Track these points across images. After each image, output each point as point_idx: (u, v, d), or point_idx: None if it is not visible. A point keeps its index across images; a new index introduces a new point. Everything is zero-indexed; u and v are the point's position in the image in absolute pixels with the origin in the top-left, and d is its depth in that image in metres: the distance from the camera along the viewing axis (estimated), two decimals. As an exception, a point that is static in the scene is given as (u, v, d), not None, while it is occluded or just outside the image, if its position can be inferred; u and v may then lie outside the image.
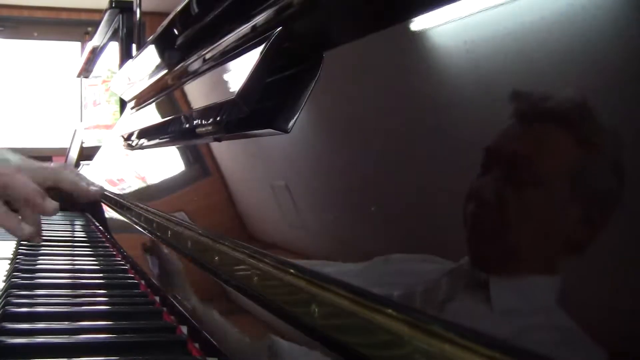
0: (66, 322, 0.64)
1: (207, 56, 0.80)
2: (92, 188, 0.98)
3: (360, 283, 0.35)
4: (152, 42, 1.10)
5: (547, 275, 0.25)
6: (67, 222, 1.57)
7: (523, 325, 0.25)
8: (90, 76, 3.49)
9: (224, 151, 0.71)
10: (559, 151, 0.26)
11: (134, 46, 1.89)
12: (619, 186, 0.23)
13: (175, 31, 0.96)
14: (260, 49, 0.58)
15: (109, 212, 1.29)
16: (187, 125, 0.78)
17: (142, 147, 1.18)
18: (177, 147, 0.91)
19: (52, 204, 0.89)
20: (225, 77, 0.70)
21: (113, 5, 2.20)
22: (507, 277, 0.27)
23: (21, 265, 0.93)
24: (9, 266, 0.95)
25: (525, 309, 0.25)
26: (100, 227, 1.43)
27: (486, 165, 0.30)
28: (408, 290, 0.32)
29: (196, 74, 0.88)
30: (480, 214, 0.29)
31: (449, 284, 0.29)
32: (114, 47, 2.48)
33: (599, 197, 0.24)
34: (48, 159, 4.55)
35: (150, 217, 0.85)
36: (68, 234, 1.31)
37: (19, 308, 0.68)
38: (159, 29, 1.04)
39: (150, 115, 1.14)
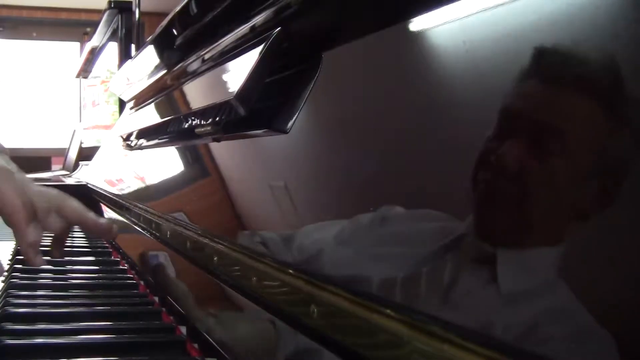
0: (65, 323, 0.64)
1: (206, 56, 0.80)
2: (102, 220, 0.85)
3: (359, 255, 0.35)
4: (151, 43, 1.10)
5: (556, 250, 0.25)
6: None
7: (531, 309, 0.25)
8: (89, 76, 3.49)
9: (223, 151, 0.71)
10: (566, 130, 0.26)
11: (133, 46, 1.89)
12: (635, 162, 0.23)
13: (174, 31, 0.96)
14: (259, 49, 0.58)
15: (108, 213, 1.29)
16: (186, 126, 0.78)
17: (141, 148, 1.18)
18: (176, 148, 0.91)
19: (40, 260, 0.79)
20: (224, 77, 0.70)
21: (112, 6, 2.20)
22: (515, 252, 0.27)
23: (20, 265, 0.93)
24: (8, 267, 0.95)
25: (533, 287, 0.25)
26: (99, 227, 1.43)
27: (486, 160, 0.30)
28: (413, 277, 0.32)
29: (195, 74, 0.88)
30: (481, 200, 0.29)
31: (453, 262, 0.29)
32: (113, 48, 2.48)
33: (615, 172, 0.23)
34: (47, 159, 4.55)
35: (150, 217, 0.85)
36: (67, 234, 1.30)
37: (19, 309, 0.68)
38: (158, 29, 1.04)
39: (149, 116, 1.14)
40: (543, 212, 0.26)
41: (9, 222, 0.75)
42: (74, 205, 0.81)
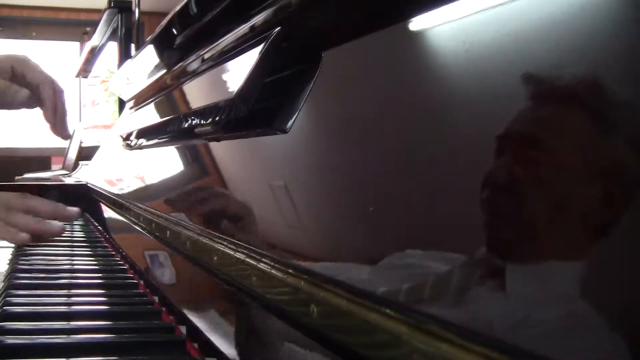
0: (65, 322, 0.64)
1: (206, 56, 0.80)
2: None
3: (368, 275, 0.35)
4: (150, 42, 1.10)
5: (567, 262, 0.25)
6: (66, 222, 1.56)
7: (540, 317, 0.24)
8: (89, 76, 3.49)
9: (223, 151, 0.71)
10: (568, 138, 0.26)
11: (132, 46, 1.89)
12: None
13: (174, 31, 0.96)
14: (259, 48, 0.58)
15: (108, 212, 1.29)
16: (186, 125, 0.78)
17: (141, 147, 1.18)
18: (176, 147, 0.91)
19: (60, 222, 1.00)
20: (224, 77, 0.70)
21: (112, 5, 2.21)
22: (525, 265, 0.27)
23: (20, 265, 0.93)
24: (8, 266, 0.95)
25: (543, 297, 0.25)
26: (99, 227, 1.43)
27: (488, 159, 0.30)
28: (418, 282, 0.32)
29: (195, 73, 0.88)
30: (488, 206, 0.29)
31: (462, 274, 0.29)
32: (112, 47, 2.48)
33: (620, 178, 0.23)
34: (47, 159, 4.56)
35: (149, 216, 0.85)
36: (67, 233, 1.31)
37: (19, 308, 0.68)
38: (158, 29, 1.04)
39: (149, 115, 1.14)
40: (548, 224, 0.26)
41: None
42: (39, 69, 0.99)
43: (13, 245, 1.10)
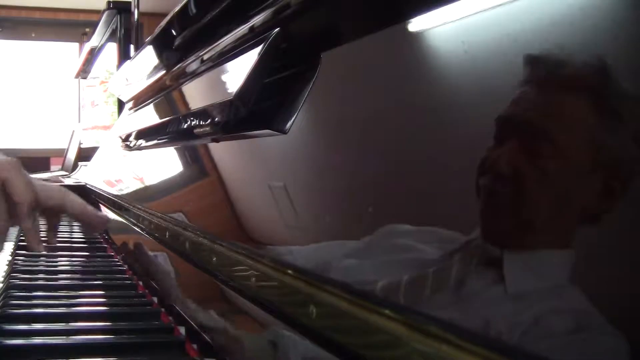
0: (64, 323, 0.64)
1: (205, 57, 0.80)
2: (99, 214, 0.95)
3: (365, 262, 0.35)
4: (150, 43, 1.10)
5: (564, 252, 0.25)
6: (65, 223, 1.56)
7: (537, 309, 0.25)
8: (88, 77, 3.49)
9: (222, 152, 0.71)
10: (565, 133, 0.26)
11: (131, 47, 1.89)
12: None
13: (173, 32, 0.96)
14: (258, 50, 0.58)
15: (107, 213, 1.29)
16: (185, 126, 0.78)
17: (140, 148, 1.18)
18: (175, 148, 0.91)
19: (42, 247, 0.85)
20: (223, 78, 0.70)
21: (111, 6, 2.21)
22: (521, 255, 0.27)
23: (19, 266, 0.93)
24: (7, 267, 0.95)
25: (540, 288, 0.25)
26: (98, 228, 1.43)
27: (485, 160, 0.30)
28: (418, 272, 0.32)
29: (194, 74, 0.88)
30: (485, 204, 0.29)
31: (460, 265, 0.29)
32: (112, 48, 2.48)
33: (618, 169, 0.23)
34: (46, 159, 4.55)
35: (148, 217, 0.85)
36: (66, 235, 1.31)
37: (18, 309, 0.68)
38: (157, 30, 1.04)
39: (148, 116, 1.14)
40: (545, 214, 0.26)
41: (13, 210, 0.79)
42: (76, 201, 0.87)
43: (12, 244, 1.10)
